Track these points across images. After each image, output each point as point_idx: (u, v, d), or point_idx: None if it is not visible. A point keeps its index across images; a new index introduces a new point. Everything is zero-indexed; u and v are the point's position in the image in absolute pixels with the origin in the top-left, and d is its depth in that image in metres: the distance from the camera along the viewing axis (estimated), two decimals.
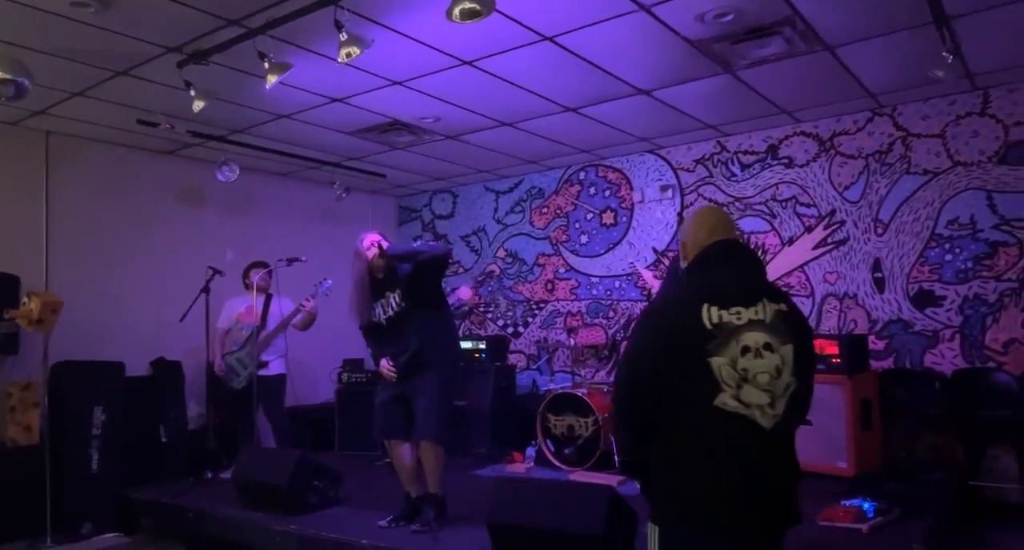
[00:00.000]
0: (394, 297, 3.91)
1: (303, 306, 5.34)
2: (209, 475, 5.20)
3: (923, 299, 5.14)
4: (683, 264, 2.07)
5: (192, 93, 4.03)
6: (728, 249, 1.99)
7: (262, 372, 5.29)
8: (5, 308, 4.62)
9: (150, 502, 4.79)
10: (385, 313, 3.94)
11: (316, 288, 5.39)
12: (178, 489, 4.87)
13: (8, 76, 3.68)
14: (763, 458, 1.79)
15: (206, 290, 5.25)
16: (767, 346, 1.80)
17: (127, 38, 3.80)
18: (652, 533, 1.90)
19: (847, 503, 3.66)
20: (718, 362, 1.77)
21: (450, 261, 3.95)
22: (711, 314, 1.81)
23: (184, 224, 6.21)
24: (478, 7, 2.82)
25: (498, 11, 3.53)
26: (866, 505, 3.58)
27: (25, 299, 4.62)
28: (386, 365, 3.92)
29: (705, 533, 1.80)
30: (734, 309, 1.82)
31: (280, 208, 7.01)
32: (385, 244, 3.97)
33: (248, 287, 5.47)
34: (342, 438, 6.23)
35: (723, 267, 1.94)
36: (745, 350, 1.78)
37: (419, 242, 4.12)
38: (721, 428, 1.77)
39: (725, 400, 1.76)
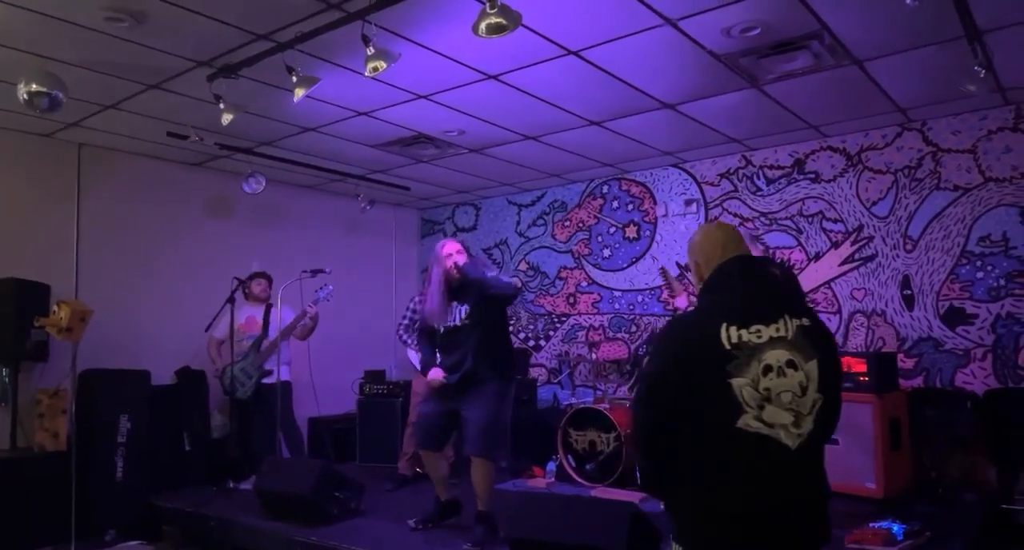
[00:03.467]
0: (461, 310, 3.97)
1: (306, 312, 5.33)
2: (231, 485, 5.22)
3: (954, 317, 5.04)
4: (696, 285, 2.03)
5: (221, 106, 4.09)
6: (744, 265, 1.94)
7: (267, 380, 5.30)
8: (35, 316, 4.70)
9: (173, 510, 4.83)
10: (450, 322, 3.99)
11: (317, 294, 5.39)
12: (201, 498, 4.90)
13: (43, 89, 3.78)
14: (789, 477, 1.75)
15: (231, 300, 5.30)
16: (790, 363, 1.75)
17: (159, 52, 3.87)
18: None
19: (876, 525, 3.58)
20: (739, 383, 1.72)
21: (517, 297, 4.01)
22: (730, 334, 1.76)
23: (211, 235, 6.29)
24: (504, 22, 2.84)
25: (524, 26, 3.55)
26: (895, 527, 3.50)
27: (55, 307, 4.70)
28: (435, 375, 3.95)
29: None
30: (754, 327, 1.77)
31: (305, 220, 7.08)
32: (462, 259, 3.99)
33: (248, 297, 5.51)
34: (363, 449, 6.24)
35: (740, 284, 1.89)
36: (767, 369, 1.74)
37: (494, 271, 4.11)
38: (744, 449, 1.73)
39: (748, 421, 1.71)
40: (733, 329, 1.77)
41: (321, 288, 5.42)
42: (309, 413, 6.33)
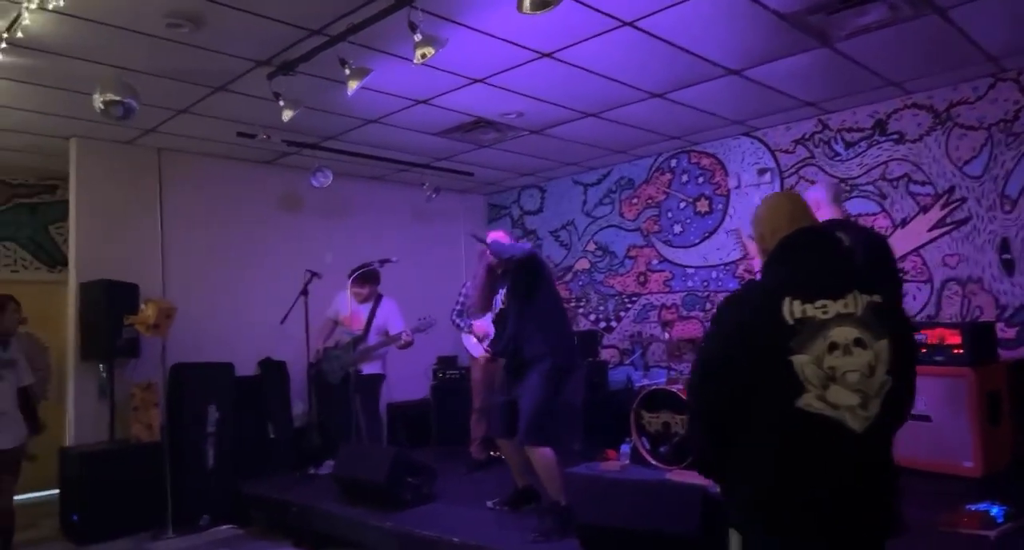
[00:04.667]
0: (502, 293, 4.10)
1: (404, 337, 5.28)
2: (312, 470, 5.40)
3: None
4: (762, 258, 1.92)
5: (281, 103, 4.18)
6: (812, 237, 1.84)
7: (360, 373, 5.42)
8: (126, 315, 4.96)
9: (259, 496, 5.04)
10: (496, 306, 4.14)
11: (421, 323, 5.30)
12: (284, 484, 5.09)
13: (117, 98, 3.93)
14: (853, 464, 1.64)
15: (305, 292, 5.45)
16: (858, 342, 1.64)
17: (220, 54, 3.98)
18: (734, 540, 1.79)
19: (973, 507, 3.34)
20: (801, 360, 1.62)
21: (530, 263, 3.93)
22: (793, 308, 1.66)
23: (285, 229, 6.49)
24: None
25: None
26: (995, 509, 3.26)
27: (143, 306, 4.96)
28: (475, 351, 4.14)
29: (792, 544, 1.67)
30: (820, 302, 1.66)
31: (374, 210, 7.21)
32: (495, 242, 4.04)
33: (359, 299, 5.54)
34: (439, 433, 6.33)
35: (807, 257, 1.78)
36: (833, 347, 1.63)
37: (512, 245, 4.11)
38: (805, 431, 1.63)
39: (809, 401, 1.61)
40: (796, 303, 1.67)
41: (424, 318, 5.32)
42: (387, 399, 6.46)
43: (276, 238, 6.41)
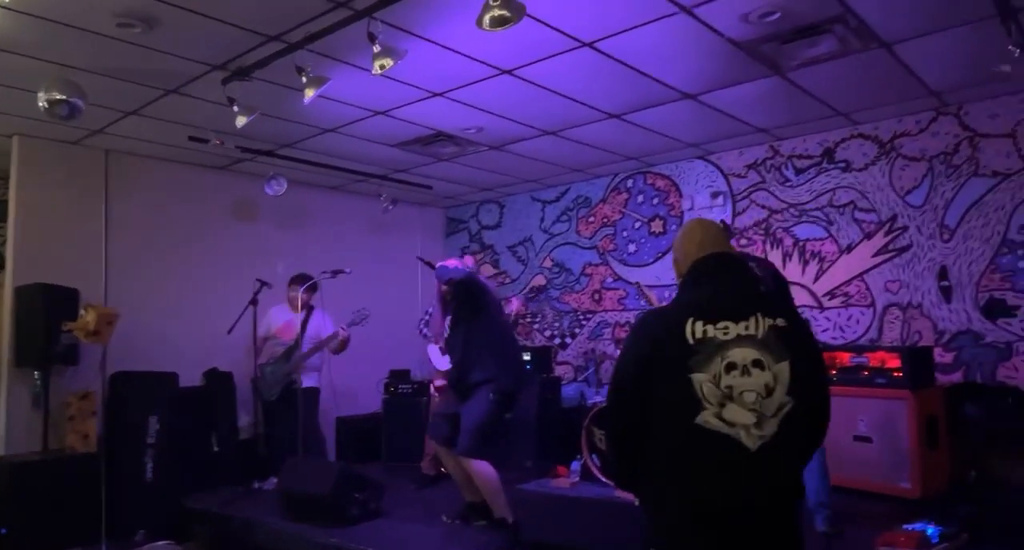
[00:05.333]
0: (448, 318, 4.20)
1: (339, 334, 5.31)
2: (257, 485, 5.26)
3: (994, 309, 4.82)
4: (677, 281, 2.02)
5: (235, 109, 4.10)
6: (719, 262, 1.93)
7: (296, 386, 5.32)
8: (64, 321, 4.78)
9: (200, 510, 4.88)
10: (446, 332, 4.22)
11: (355, 316, 5.36)
12: (227, 498, 4.95)
13: (62, 96, 3.82)
14: (748, 479, 1.70)
15: (254, 302, 5.34)
16: (756, 363, 1.71)
17: (173, 57, 3.90)
18: None
19: (910, 527, 3.43)
20: (699, 378, 1.70)
21: (468, 285, 3.98)
22: (695, 328, 1.75)
23: (237, 238, 6.35)
24: (508, 14, 2.77)
25: (534, 18, 3.51)
26: (930, 530, 3.35)
27: (82, 311, 4.78)
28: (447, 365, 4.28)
29: None
30: (722, 324, 1.75)
31: (330, 221, 7.11)
32: (441, 266, 4.07)
33: (293, 306, 5.53)
34: (389, 448, 6.24)
35: (713, 281, 1.88)
36: (730, 367, 1.70)
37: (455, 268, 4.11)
38: (702, 447, 1.70)
39: (707, 418, 1.69)
40: (699, 324, 1.76)
41: (359, 311, 5.36)
42: (336, 413, 6.35)
43: (226, 246, 6.26)
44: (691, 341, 1.74)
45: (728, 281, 1.90)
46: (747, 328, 1.74)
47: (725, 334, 1.73)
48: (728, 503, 1.70)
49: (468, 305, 4.03)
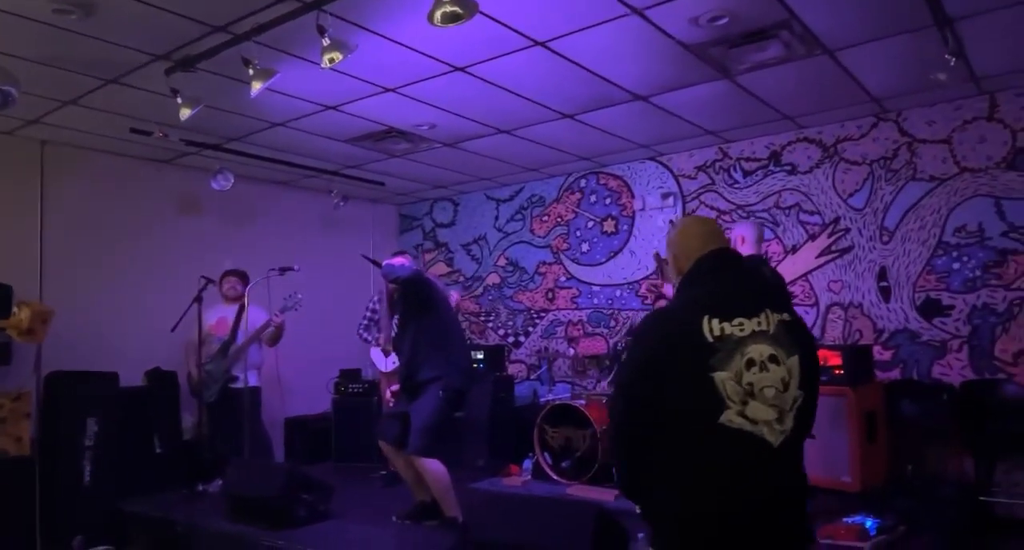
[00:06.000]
0: (396, 317, 4.15)
1: (272, 321, 5.22)
2: (201, 487, 5.12)
3: (930, 308, 5.01)
4: (675, 279, 1.97)
5: (179, 101, 3.99)
6: (725, 258, 1.91)
7: (235, 386, 5.21)
8: None
9: (141, 515, 4.73)
10: (393, 332, 4.18)
11: (286, 302, 5.26)
12: (169, 502, 4.81)
13: None
14: (773, 476, 1.70)
15: (198, 300, 5.19)
16: (772, 358, 1.70)
17: (114, 46, 3.76)
18: None
19: (849, 520, 3.54)
20: (721, 377, 1.67)
21: (415, 283, 3.97)
22: (712, 326, 1.71)
23: (181, 233, 6.17)
24: (459, 10, 2.76)
25: (487, 15, 3.49)
26: (869, 522, 3.46)
27: (15, 309, 4.58)
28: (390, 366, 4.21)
29: None
30: (736, 320, 1.72)
31: (279, 217, 6.97)
32: (387, 264, 4.03)
33: (226, 299, 5.41)
34: (338, 449, 6.16)
35: (722, 277, 1.85)
36: (750, 363, 1.68)
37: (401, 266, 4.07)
38: (727, 447, 1.67)
39: (731, 417, 1.66)
40: (715, 322, 1.72)
41: (290, 296, 5.27)
42: (284, 413, 6.24)
43: (170, 242, 6.08)
44: (710, 339, 1.69)
45: (736, 277, 1.88)
46: (760, 324, 1.73)
47: (742, 331, 1.71)
48: (755, 500, 1.68)
49: (416, 303, 4.00)
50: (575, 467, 5.04)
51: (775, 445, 1.66)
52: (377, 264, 4.09)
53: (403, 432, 3.92)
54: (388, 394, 4.14)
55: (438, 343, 3.98)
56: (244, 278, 5.55)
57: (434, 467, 3.77)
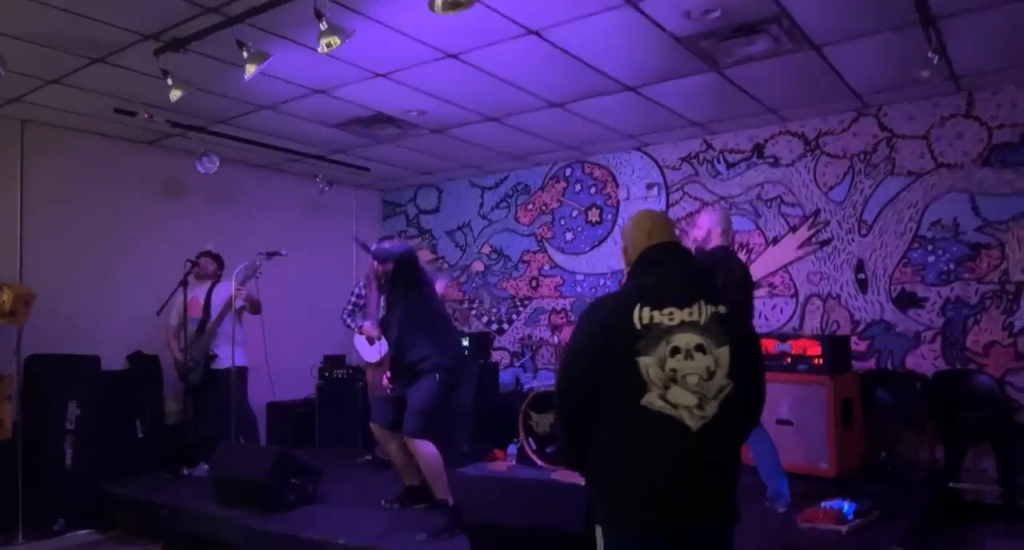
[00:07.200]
0: (383, 300, 4.18)
1: (237, 295, 5.10)
2: (186, 471, 5.11)
3: (905, 300, 5.15)
4: (625, 270, 2.09)
5: (169, 82, 3.95)
6: (666, 251, 2.02)
7: (217, 365, 5.17)
8: None
9: (125, 497, 4.72)
10: (381, 315, 4.20)
11: (243, 271, 5.08)
12: (154, 485, 4.80)
13: None
14: (688, 458, 1.80)
15: (184, 283, 5.17)
16: (699, 347, 1.81)
17: (101, 24, 3.70)
18: (598, 534, 1.93)
19: (827, 504, 3.65)
20: (646, 362, 1.79)
21: (409, 260, 3.97)
22: (642, 314, 1.83)
23: (165, 216, 6.10)
24: None
25: (482, 3, 3.50)
26: (846, 507, 3.57)
27: None
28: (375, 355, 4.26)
29: (635, 532, 1.83)
30: (667, 310, 1.84)
31: (264, 200, 6.92)
32: (378, 246, 4.09)
33: (197, 278, 5.36)
34: (322, 434, 6.17)
35: (660, 269, 1.97)
36: (675, 351, 1.80)
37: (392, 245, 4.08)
38: (647, 427, 1.79)
39: (652, 400, 1.78)
40: (646, 310, 1.84)
41: (247, 266, 5.06)
42: (267, 398, 6.23)
43: (154, 224, 6.01)
44: (638, 326, 1.82)
45: (674, 270, 1.98)
46: (691, 314, 1.84)
47: (671, 320, 1.82)
48: (672, 480, 1.79)
49: (405, 282, 3.99)
50: (560, 452, 5.12)
51: (694, 429, 1.77)
52: (367, 249, 4.10)
53: (398, 415, 3.93)
54: (385, 380, 4.14)
55: (426, 323, 3.98)
56: (218, 259, 5.51)
57: (427, 450, 3.80)
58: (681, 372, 1.78)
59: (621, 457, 1.83)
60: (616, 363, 1.81)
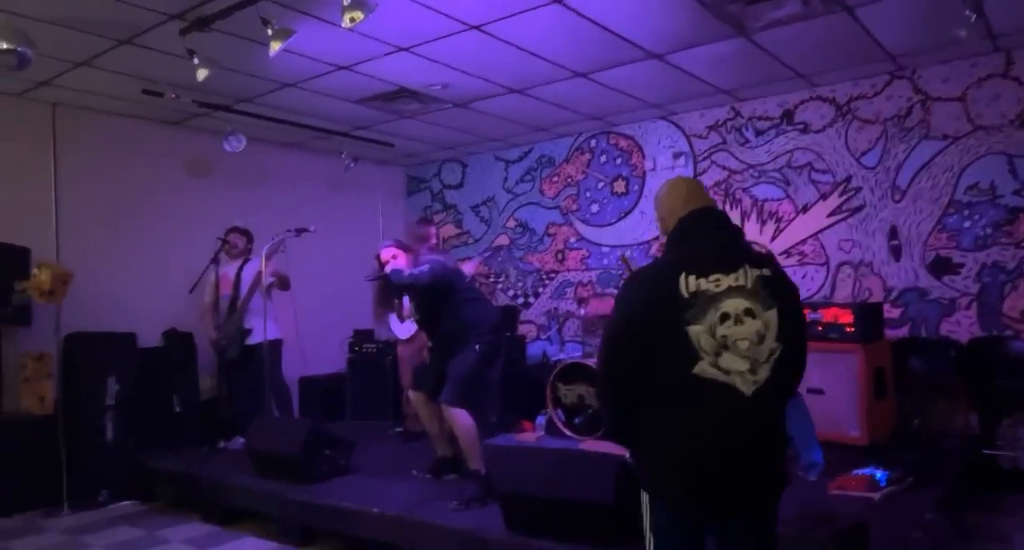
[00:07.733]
0: (408, 302, 4.48)
1: (262, 272, 5.12)
2: (222, 445, 5.24)
3: (940, 266, 5.05)
4: (662, 238, 2.06)
5: (195, 61, 3.97)
6: (705, 216, 1.98)
7: (251, 340, 5.24)
8: (16, 280, 4.63)
9: (165, 470, 4.85)
10: (412, 315, 4.45)
11: (270, 247, 5.07)
12: (192, 458, 4.93)
13: (11, 46, 3.63)
14: (743, 424, 1.79)
15: (215, 260, 5.24)
16: (748, 312, 1.79)
17: (127, 5, 3.73)
18: (644, 501, 1.93)
19: (859, 472, 3.63)
20: (696, 330, 1.76)
21: (436, 283, 4.06)
22: (688, 282, 1.80)
23: (193, 194, 6.19)
24: None
25: None
26: (878, 474, 3.55)
27: (35, 271, 4.64)
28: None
29: (689, 499, 1.82)
30: (713, 276, 1.80)
31: (289, 178, 6.97)
32: (392, 260, 4.20)
33: (230, 255, 5.43)
34: (353, 407, 6.27)
35: (701, 235, 1.93)
36: (724, 317, 1.77)
37: (412, 271, 4.07)
38: (701, 395, 1.77)
39: (704, 368, 1.76)
40: (692, 278, 1.80)
41: (272, 243, 5.06)
42: (299, 373, 6.34)
43: (184, 203, 6.09)
44: (686, 295, 1.78)
45: (715, 235, 1.94)
46: (737, 279, 1.81)
47: (717, 286, 1.79)
48: (728, 445, 1.78)
49: (441, 292, 4.09)
50: (588, 423, 5.14)
51: (747, 394, 1.75)
52: (384, 278, 4.15)
53: (438, 383, 3.99)
54: (426, 353, 4.23)
55: (470, 308, 4.11)
56: (247, 235, 5.56)
57: (463, 419, 3.85)
58: (732, 338, 1.75)
59: (675, 427, 1.81)
60: (665, 334, 1.78)
